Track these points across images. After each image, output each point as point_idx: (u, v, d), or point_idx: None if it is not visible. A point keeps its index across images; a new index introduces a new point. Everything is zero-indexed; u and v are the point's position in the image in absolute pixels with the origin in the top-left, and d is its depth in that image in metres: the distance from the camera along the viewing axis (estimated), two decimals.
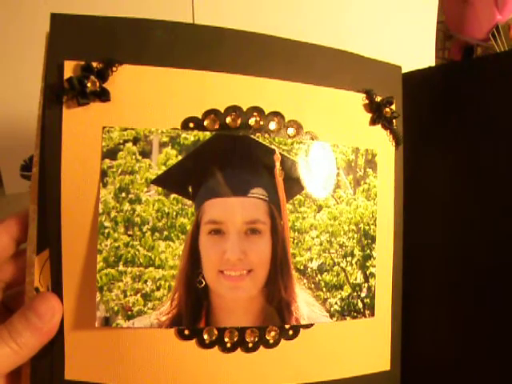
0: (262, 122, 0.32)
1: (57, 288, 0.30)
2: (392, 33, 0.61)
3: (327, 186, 0.33)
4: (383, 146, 0.36)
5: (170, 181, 0.30)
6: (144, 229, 0.30)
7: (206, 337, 0.31)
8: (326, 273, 0.33)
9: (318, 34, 0.57)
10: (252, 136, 0.31)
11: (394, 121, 0.36)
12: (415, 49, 0.62)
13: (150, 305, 0.30)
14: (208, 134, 0.31)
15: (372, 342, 0.35)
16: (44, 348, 0.30)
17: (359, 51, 0.37)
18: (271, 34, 0.33)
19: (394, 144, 0.36)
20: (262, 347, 0.32)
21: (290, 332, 0.32)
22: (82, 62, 0.29)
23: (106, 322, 0.30)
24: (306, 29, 0.57)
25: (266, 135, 0.32)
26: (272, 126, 0.32)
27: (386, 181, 0.36)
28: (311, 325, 0.33)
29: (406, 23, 0.61)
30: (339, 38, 0.57)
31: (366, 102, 0.35)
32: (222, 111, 0.31)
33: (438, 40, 0.63)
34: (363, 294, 0.34)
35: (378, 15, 0.61)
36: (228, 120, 0.31)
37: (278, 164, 0.32)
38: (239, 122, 0.31)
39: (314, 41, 0.35)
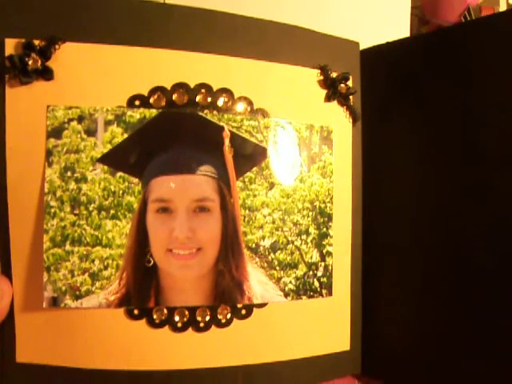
0: (209, 99, 0.31)
1: (6, 270, 0.30)
2: (366, 18, 0.61)
3: (279, 163, 0.33)
4: (340, 122, 0.35)
5: (115, 159, 0.30)
6: (90, 208, 0.30)
7: (155, 316, 0.30)
8: (279, 251, 0.32)
9: (291, 15, 0.57)
10: (200, 113, 0.31)
11: (350, 97, 0.35)
12: (390, 34, 0.61)
13: (97, 284, 0.30)
14: (154, 112, 0.30)
15: (330, 321, 0.35)
16: None
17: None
18: (243, 13, 0.33)
19: (350, 120, 0.36)
20: (213, 327, 0.31)
21: (243, 311, 0.32)
22: (24, 40, 0.29)
23: (54, 303, 0.30)
24: (279, 9, 0.57)
25: (215, 112, 0.31)
26: (220, 102, 0.32)
27: (342, 158, 0.35)
28: (265, 304, 0.32)
29: (380, 8, 0.61)
30: (311, 20, 0.56)
31: (321, 78, 0.35)
32: (169, 88, 0.31)
33: (413, 25, 0.62)
34: (320, 273, 0.34)
35: (352, 1, 0.61)
36: (174, 97, 0.31)
37: (226, 141, 0.31)
38: (186, 99, 0.31)
39: (288, 19, 0.34)
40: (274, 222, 0.32)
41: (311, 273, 0.33)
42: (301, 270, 0.33)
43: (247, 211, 0.32)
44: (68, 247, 0.30)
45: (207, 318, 0.31)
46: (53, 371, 0.30)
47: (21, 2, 0.29)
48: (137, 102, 0.30)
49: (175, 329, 0.31)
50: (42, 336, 0.30)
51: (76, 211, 0.30)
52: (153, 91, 0.31)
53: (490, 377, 0.31)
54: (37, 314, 0.30)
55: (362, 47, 0.38)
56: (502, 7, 0.56)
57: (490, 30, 0.32)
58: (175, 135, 0.31)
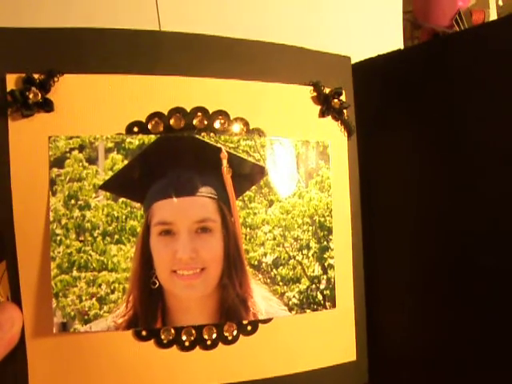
0: (206, 122, 0.32)
1: (15, 297, 0.31)
2: (358, 26, 0.61)
3: (277, 180, 0.33)
4: (335, 137, 0.36)
5: (117, 185, 0.31)
6: (95, 234, 0.31)
7: (163, 337, 0.31)
8: (281, 267, 0.33)
9: (283, 31, 0.58)
10: (197, 136, 0.32)
11: (344, 111, 0.36)
12: (383, 40, 0.62)
13: (105, 308, 0.31)
14: (153, 137, 0.31)
15: (336, 333, 0.35)
16: (6, 358, 0.30)
17: (324, 46, 0.37)
18: (237, 35, 0.34)
19: (346, 134, 0.36)
20: (220, 344, 0.32)
21: (249, 327, 0.32)
22: (24, 75, 0.30)
23: (64, 328, 0.30)
24: (271, 28, 0.58)
25: (212, 134, 0.32)
26: (217, 124, 0.32)
27: (339, 172, 0.36)
28: (270, 319, 0.33)
29: (372, 15, 0.61)
30: (303, 33, 0.57)
31: (314, 94, 0.35)
32: (166, 113, 0.32)
33: (406, 30, 0.63)
34: (322, 286, 0.34)
35: (343, 9, 0.62)
36: (172, 122, 0.32)
37: (224, 162, 0.32)
38: (183, 123, 0.32)
39: (279, 37, 0.35)
40: (274, 239, 0.33)
41: (314, 286, 0.34)
42: (304, 284, 0.34)
43: (248, 229, 0.32)
44: (75, 273, 0.30)
45: (214, 336, 0.32)
46: None
47: (19, 39, 0.30)
48: (135, 129, 0.31)
49: (183, 348, 0.31)
50: (53, 361, 0.31)
51: (81, 238, 0.31)
52: (150, 117, 0.31)
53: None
54: (47, 340, 0.30)
55: (356, 55, 0.39)
56: (492, 10, 0.56)
57: (482, 38, 0.33)
58: (174, 159, 0.31)
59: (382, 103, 0.38)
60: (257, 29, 0.54)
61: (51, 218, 0.30)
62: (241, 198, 0.32)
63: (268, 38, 0.35)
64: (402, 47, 0.61)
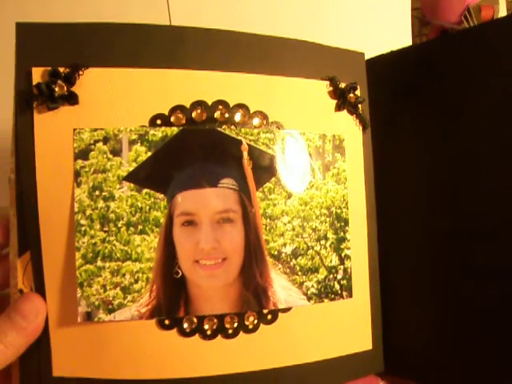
0: (227, 115, 0.33)
1: (39, 288, 0.31)
2: (367, 22, 0.62)
3: (296, 172, 0.34)
4: (350, 130, 0.37)
5: (141, 176, 0.32)
6: (119, 224, 0.31)
7: (186, 325, 0.32)
8: (300, 257, 0.34)
9: (295, 27, 0.58)
10: (218, 128, 0.33)
11: (359, 106, 0.37)
12: (391, 37, 0.62)
13: (129, 297, 0.31)
14: (175, 130, 0.32)
15: (352, 322, 0.36)
16: (31, 347, 0.31)
17: (334, 42, 0.38)
18: (249, 30, 0.34)
19: (360, 128, 0.37)
20: (241, 333, 0.33)
21: (269, 316, 0.33)
22: (50, 68, 0.30)
23: (88, 317, 0.31)
24: (282, 23, 0.58)
25: (233, 127, 0.33)
26: (237, 117, 0.33)
27: (355, 164, 0.36)
28: (289, 308, 0.33)
29: (380, 12, 0.62)
30: (314, 31, 0.58)
31: (331, 89, 0.36)
32: (188, 106, 0.32)
33: (414, 27, 0.63)
34: (339, 276, 0.35)
35: (352, 6, 0.62)
36: (194, 115, 0.32)
37: (245, 154, 0.33)
38: (205, 116, 0.32)
39: (291, 33, 0.36)
40: (293, 229, 0.34)
41: (331, 276, 0.35)
42: (322, 274, 0.34)
43: (268, 220, 0.33)
44: (99, 263, 0.31)
45: (235, 325, 0.32)
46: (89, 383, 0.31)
47: (44, 33, 0.31)
48: (158, 121, 0.32)
49: (205, 336, 0.32)
50: (77, 350, 0.31)
51: (105, 228, 0.31)
52: (173, 110, 0.32)
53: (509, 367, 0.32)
54: (71, 329, 0.31)
55: (363, 52, 0.39)
56: (502, 6, 0.57)
57: (495, 34, 0.34)
58: (196, 151, 0.32)
59: (395, 98, 0.38)
60: (267, 25, 0.55)
61: (76, 209, 0.31)
62: (261, 189, 0.33)
63: (282, 35, 0.36)
64: (410, 44, 0.61)
